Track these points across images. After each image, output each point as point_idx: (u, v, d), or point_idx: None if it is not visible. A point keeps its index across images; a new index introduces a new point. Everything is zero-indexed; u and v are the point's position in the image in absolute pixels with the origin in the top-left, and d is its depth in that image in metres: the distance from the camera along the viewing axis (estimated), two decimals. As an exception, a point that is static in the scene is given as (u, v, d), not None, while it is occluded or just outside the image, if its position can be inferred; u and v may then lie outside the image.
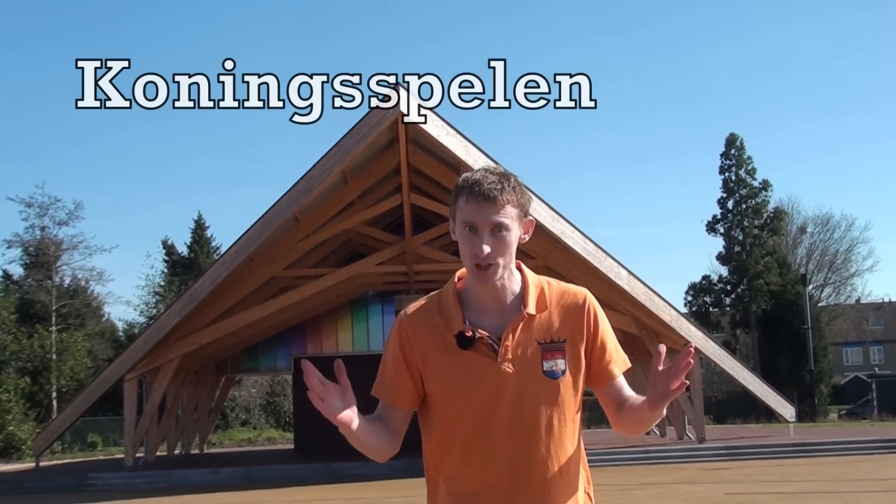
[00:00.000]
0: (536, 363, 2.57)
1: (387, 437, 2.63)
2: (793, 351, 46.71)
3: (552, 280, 2.72)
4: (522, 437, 2.55)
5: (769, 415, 33.39)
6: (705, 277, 55.91)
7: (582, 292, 2.69)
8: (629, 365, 2.74)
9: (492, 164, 2.66)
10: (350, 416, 2.42)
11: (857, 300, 66.83)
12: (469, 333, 2.57)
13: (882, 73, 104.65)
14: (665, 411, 2.56)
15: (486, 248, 2.50)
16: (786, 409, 26.47)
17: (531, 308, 2.60)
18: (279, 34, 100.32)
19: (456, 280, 2.69)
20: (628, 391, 2.70)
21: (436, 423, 2.65)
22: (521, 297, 2.63)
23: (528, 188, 2.66)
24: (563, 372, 2.59)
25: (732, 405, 45.86)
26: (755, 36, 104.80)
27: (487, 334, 2.57)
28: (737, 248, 53.55)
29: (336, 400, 2.40)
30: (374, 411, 2.65)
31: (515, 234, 2.57)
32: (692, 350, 2.44)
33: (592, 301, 2.68)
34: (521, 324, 2.59)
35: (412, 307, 2.71)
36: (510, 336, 2.57)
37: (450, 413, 2.60)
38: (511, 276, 2.63)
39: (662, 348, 2.45)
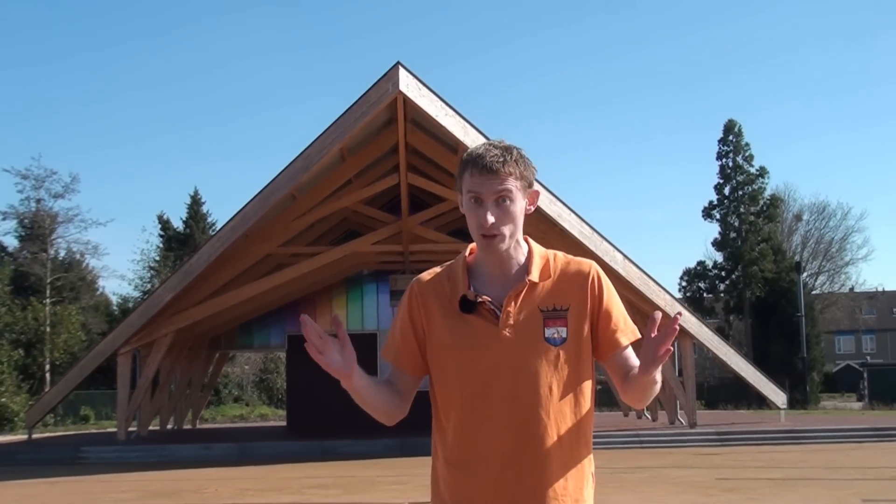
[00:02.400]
0: (538, 330, 2.62)
1: (394, 399, 2.71)
2: (786, 338, 46.82)
3: (559, 252, 2.77)
4: (523, 402, 2.59)
5: (760, 401, 33.46)
6: (700, 263, 56.02)
7: (587, 263, 2.74)
8: (638, 335, 2.75)
9: (495, 139, 2.70)
10: (348, 370, 2.49)
11: (851, 289, 66.97)
12: (471, 298, 2.64)
13: (882, 59, 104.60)
14: (659, 381, 2.61)
15: (491, 218, 2.57)
16: (777, 396, 26.54)
17: (534, 276, 2.66)
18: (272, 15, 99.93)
19: (467, 253, 2.77)
20: (635, 360, 2.70)
21: (442, 390, 2.69)
22: (525, 266, 2.69)
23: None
24: (565, 340, 2.63)
25: (724, 391, 46.00)
26: (756, 16, 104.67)
27: (490, 299, 2.63)
28: (732, 235, 53.57)
29: (335, 354, 2.46)
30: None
31: (520, 205, 2.64)
32: (679, 317, 2.50)
33: (598, 271, 2.73)
34: (524, 291, 2.65)
35: (425, 274, 2.80)
36: (511, 302, 2.63)
37: (451, 378, 2.65)
38: (518, 247, 2.69)
39: (658, 315, 2.50)
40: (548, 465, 2.59)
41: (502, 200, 2.59)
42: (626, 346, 2.72)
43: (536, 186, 2.71)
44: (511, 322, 2.61)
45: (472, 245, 2.76)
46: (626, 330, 2.73)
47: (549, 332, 2.62)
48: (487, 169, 2.58)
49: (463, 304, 2.65)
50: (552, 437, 2.60)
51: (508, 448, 2.58)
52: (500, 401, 2.59)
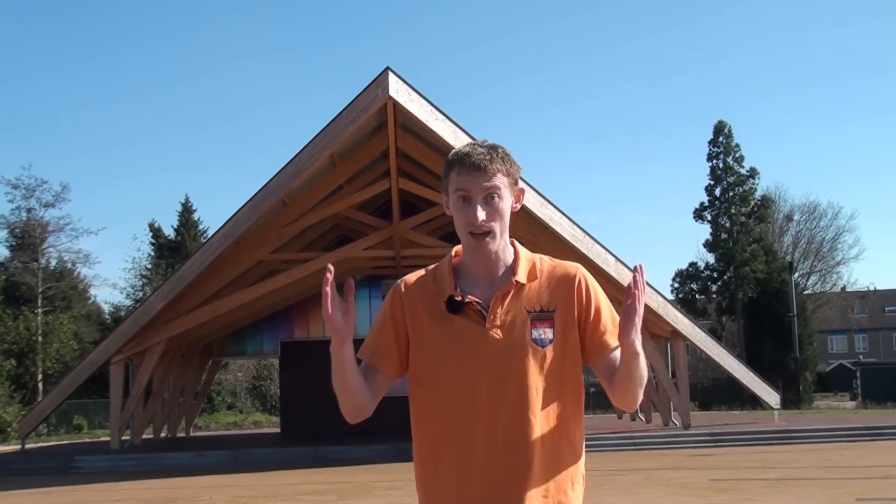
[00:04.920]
0: (524, 331, 2.62)
1: (367, 392, 2.69)
2: (778, 338, 46.88)
3: (545, 256, 2.77)
4: (510, 403, 2.59)
5: (754, 402, 33.46)
6: (692, 264, 56.06)
7: (574, 266, 2.74)
8: None
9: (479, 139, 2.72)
10: (346, 334, 2.54)
11: (843, 288, 67.07)
12: (458, 298, 2.64)
13: (870, 52, 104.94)
14: (645, 374, 2.58)
15: (481, 215, 2.59)
16: (770, 397, 26.59)
17: (521, 276, 2.67)
18: (261, 12, 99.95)
19: (453, 255, 2.77)
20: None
21: (425, 392, 2.68)
22: (512, 267, 2.69)
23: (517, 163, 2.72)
24: (551, 341, 2.63)
25: (718, 392, 46.01)
26: (740, 10, 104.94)
27: (477, 300, 2.64)
28: (723, 236, 53.67)
29: (339, 314, 2.53)
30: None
31: (508, 203, 2.66)
32: (640, 267, 2.47)
33: (585, 274, 2.72)
34: (511, 292, 2.65)
35: (411, 276, 2.80)
36: (498, 303, 2.64)
37: (438, 379, 2.65)
38: (505, 248, 2.70)
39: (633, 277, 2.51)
40: (533, 466, 2.58)
41: (490, 197, 2.61)
42: (615, 349, 2.67)
43: (525, 187, 2.74)
44: (498, 322, 2.62)
45: (458, 247, 2.77)
46: (615, 331, 2.67)
47: (535, 334, 2.62)
48: (475, 167, 2.60)
49: (449, 305, 2.65)
50: (538, 438, 2.60)
51: (496, 449, 2.58)
52: (487, 402, 2.59)
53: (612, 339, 2.67)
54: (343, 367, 2.58)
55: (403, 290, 2.76)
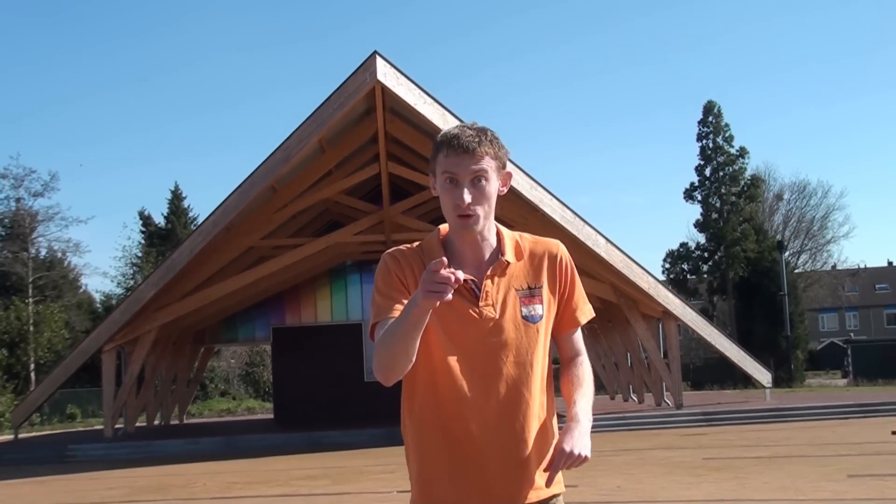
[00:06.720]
0: (515, 308, 2.67)
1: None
2: (769, 317, 46.99)
3: (525, 234, 2.82)
4: (505, 380, 2.63)
5: (746, 381, 33.60)
6: (683, 245, 56.13)
7: (555, 243, 2.80)
8: (593, 314, 2.87)
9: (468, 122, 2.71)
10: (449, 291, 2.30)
11: (833, 266, 67.25)
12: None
13: (860, 30, 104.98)
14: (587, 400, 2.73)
15: (468, 198, 2.58)
16: (762, 375, 26.66)
17: (509, 256, 2.70)
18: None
19: (439, 234, 2.78)
20: (579, 345, 2.81)
21: (419, 372, 2.66)
22: (498, 247, 2.73)
23: (506, 149, 2.72)
24: (541, 317, 2.69)
25: (710, 371, 46.13)
26: None
27: (472, 278, 2.66)
28: (714, 216, 53.73)
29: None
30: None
31: (494, 186, 2.65)
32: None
33: (565, 252, 2.80)
34: (500, 271, 2.69)
35: (396, 250, 2.78)
36: (490, 282, 2.67)
37: (435, 358, 2.65)
38: (490, 229, 2.71)
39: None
40: (530, 441, 2.64)
41: (478, 180, 2.60)
42: (581, 325, 2.81)
43: (515, 170, 2.73)
44: (491, 301, 2.66)
45: (442, 227, 2.78)
46: (584, 309, 2.81)
47: (525, 311, 2.67)
48: (463, 149, 2.59)
49: None
50: (533, 413, 2.65)
51: (493, 425, 2.61)
52: (482, 379, 2.62)
53: (582, 317, 2.80)
54: (422, 318, 2.37)
55: (400, 256, 2.70)
